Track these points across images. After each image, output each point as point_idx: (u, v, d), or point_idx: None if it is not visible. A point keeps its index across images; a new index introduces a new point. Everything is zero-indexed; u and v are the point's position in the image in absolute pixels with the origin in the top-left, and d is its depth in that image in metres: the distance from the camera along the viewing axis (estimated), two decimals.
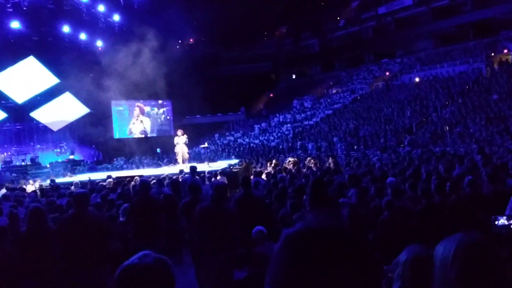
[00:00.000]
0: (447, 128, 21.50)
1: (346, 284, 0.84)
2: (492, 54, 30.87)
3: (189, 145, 19.17)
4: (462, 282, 1.45)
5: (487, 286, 1.43)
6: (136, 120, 31.05)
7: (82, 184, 12.61)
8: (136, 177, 12.41)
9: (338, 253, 0.86)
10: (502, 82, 25.51)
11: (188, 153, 19.06)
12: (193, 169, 10.68)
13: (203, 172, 14.56)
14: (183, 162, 18.11)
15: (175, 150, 18.59)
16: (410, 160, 12.93)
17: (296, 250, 0.87)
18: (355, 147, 24.08)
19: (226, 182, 11.57)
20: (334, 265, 0.84)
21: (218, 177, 12.00)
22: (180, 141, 18.29)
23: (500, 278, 1.44)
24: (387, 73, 36.89)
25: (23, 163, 23.40)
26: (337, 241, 0.88)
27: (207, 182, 11.45)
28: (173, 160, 22.32)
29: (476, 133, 20.12)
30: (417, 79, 32.38)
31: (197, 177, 11.06)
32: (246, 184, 6.78)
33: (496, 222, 3.76)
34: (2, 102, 25.04)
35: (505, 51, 30.24)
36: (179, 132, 18.57)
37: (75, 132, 28.02)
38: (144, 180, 6.93)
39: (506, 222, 3.73)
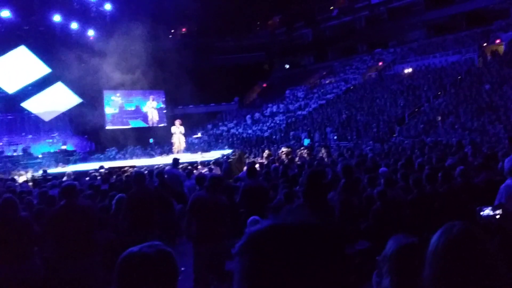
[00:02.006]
0: (439, 118, 21.60)
1: (312, 283, 0.78)
2: (485, 44, 30.93)
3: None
4: (442, 283, 1.46)
5: (470, 282, 1.43)
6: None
7: (75, 174, 12.59)
8: (126, 168, 12.39)
9: (303, 250, 0.79)
10: (494, 72, 25.62)
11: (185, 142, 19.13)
12: (175, 161, 10.69)
13: (196, 162, 14.59)
14: (178, 152, 18.11)
15: (173, 140, 18.60)
16: (402, 150, 13.03)
17: (259, 251, 0.80)
18: (348, 137, 24.15)
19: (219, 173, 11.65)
20: (299, 264, 0.78)
21: (205, 170, 11.98)
22: (177, 131, 18.29)
23: (486, 271, 1.44)
24: (380, 63, 36.90)
25: (14, 154, 23.25)
26: (302, 238, 0.80)
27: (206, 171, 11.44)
28: (166, 151, 22.29)
29: (468, 123, 20.24)
30: (406, 71, 32.41)
31: (179, 169, 11.06)
32: (253, 173, 6.82)
33: (481, 213, 3.79)
34: None
35: (498, 41, 30.30)
36: (177, 122, 18.56)
37: (67, 122, 27.81)
38: (138, 172, 6.90)
39: (491, 213, 3.76)
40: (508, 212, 4.54)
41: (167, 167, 11.41)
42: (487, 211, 3.80)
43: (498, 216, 3.81)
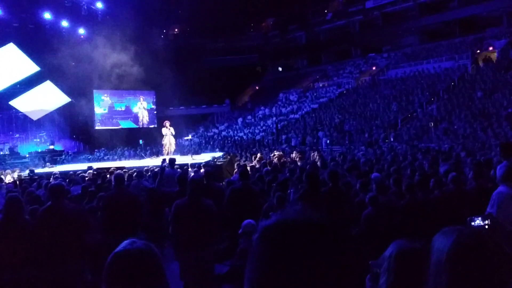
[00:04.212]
0: (432, 124, 21.60)
1: (325, 277, 0.83)
2: (478, 51, 31.11)
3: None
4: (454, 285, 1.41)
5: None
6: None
7: (62, 175, 12.36)
8: (113, 169, 12.16)
9: (315, 245, 0.84)
10: (487, 79, 25.73)
11: (175, 144, 18.92)
12: (171, 161, 10.53)
13: (186, 164, 14.38)
14: (168, 154, 17.90)
15: (163, 142, 18.37)
16: (395, 156, 12.94)
17: (272, 242, 0.86)
18: (340, 141, 24.08)
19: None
20: (311, 257, 0.83)
21: (202, 170, 11.82)
22: (168, 133, 18.09)
23: (496, 278, 1.39)
24: (374, 68, 36.97)
25: (1, 153, 22.89)
26: (314, 233, 0.86)
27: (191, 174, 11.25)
28: (155, 152, 22.05)
29: (460, 129, 20.25)
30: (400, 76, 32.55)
31: (178, 169, 10.88)
32: (245, 176, 6.82)
33: (472, 223, 3.71)
34: None
35: (490, 48, 30.51)
36: (167, 123, 18.33)
37: (55, 121, 27.48)
38: (118, 174, 6.79)
39: (481, 223, 3.69)
40: (497, 222, 4.45)
41: (166, 169, 11.20)
42: (478, 221, 3.71)
43: (487, 226, 3.72)
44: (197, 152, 21.94)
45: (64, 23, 26.18)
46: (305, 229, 0.86)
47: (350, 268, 0.86)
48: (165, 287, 1.69)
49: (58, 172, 12.74)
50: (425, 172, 7.72)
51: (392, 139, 21.99)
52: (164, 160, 12.49)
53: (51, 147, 24.04)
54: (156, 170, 10.99)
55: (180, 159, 17.36)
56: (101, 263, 1.65)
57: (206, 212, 5.20)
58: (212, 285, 5.47)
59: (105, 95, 30.66)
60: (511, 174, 4.85)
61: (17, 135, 26.33)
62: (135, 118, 31.60)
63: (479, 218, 3.72)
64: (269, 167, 10.80)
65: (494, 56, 29.45)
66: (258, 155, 15.75)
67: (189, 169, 12.99)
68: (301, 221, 0.88)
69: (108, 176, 11.32)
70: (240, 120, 34.98)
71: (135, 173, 10.32)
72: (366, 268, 2.16)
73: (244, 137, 30.50)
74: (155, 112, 32.73)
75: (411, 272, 1.71)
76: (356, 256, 0.89)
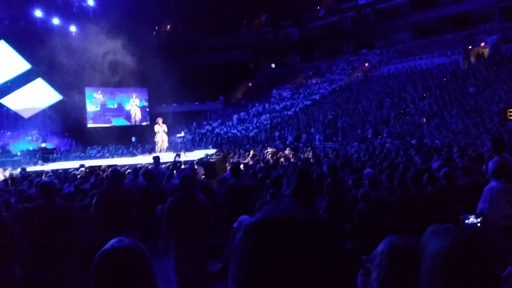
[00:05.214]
0: (424, 120, 21.68)
1: (310, 276, 0.80)
2: (470, 47, 31.25)
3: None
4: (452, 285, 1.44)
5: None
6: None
7: (55, 173, 12.30)
8: (105, 167, 12.12)
9: (299, 242, 0.82)
10: (479, 75, 25.86)
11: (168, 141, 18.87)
12: (156, 159, 10.55)
13: (179, 162, 14.34)
14: (161, 151, 17.86)
15: (156, 139, 18.32)
16: (387, 152, 13.00)
17: (255, 240, 0.84)
18: (333, 138, 24.10)
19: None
20: (295, 255, 0.80)
21: (196, 167, 11.79)
22: (161, 130, 18.03)
23: (488, 278, 1.44)
24: (366, 64, 37.02)
25: None
26: (297, 230, 0.83)
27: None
28: (148, 149, 21.98)
29: (452, 125, 20.35)
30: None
31: (162, 167, 10.86)
32: (236, 173, 6.92)
33: (466, 221, 3.74)
34: None
35: (482, 44, 30.65)
36: (160, 120, 18.27)
37: (47, 119, 27.29)
38: (115, 170, 6.70)
39: (474, 221, 3.72)
40: (487, 220, 4.50)
41: (150, 166, 11.17)
42: (471, 219, 3.75)
43: (479, 224, 3.77)
44: (189, 149, 21.91)
45: (55, 21, 26.03)
46: (288, 226, 0.84)
47: (337, 265, 0.84)
48: (153, 285, 1.68)
49: (50, 170, 12.69)
50: (417, 168, 7.77)
51: (384, 135, 22.05)
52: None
53: (43, 145, 23.89)
54: (150, 167, 10.96)
55: (173, 156, 17.31)
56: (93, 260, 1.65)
57: (200, 208, 5.19)
58: (205, 282, 5.47)
59: (97, 92, 30.47)
60: (502, 170, 4.88)
61: (9, 133, 26.11)
62: (128, 116, 31.44)
63: (472, 216, 3.75)
64: (262, 164, 10.81)
65: (486, 51, 29.58)
66: (251, 151, 15.74)
67: (182, 166, 12.95)
68: (284, 218, 0.86)
69: (100, 173, 11.29)
70: (234, 116, 34.90)
71: (127, 171, 10.26)
72: (359, 263, 2.17)
73: (238, 134, 30.44)
74: (148, 109, 32.60)
75: (402, 268, 1.74)
76: (343, 252, 0.87)
